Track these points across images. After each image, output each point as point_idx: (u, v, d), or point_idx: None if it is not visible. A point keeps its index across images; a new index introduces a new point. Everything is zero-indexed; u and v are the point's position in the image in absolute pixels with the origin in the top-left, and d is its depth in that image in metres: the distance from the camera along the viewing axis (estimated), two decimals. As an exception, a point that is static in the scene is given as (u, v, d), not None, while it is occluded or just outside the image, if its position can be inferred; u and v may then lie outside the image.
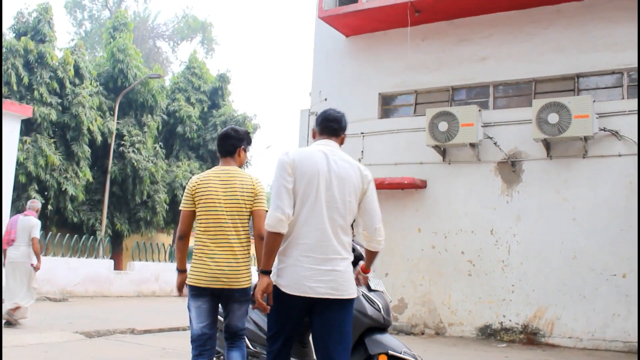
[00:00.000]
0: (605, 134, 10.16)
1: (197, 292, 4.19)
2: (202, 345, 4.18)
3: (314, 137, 3.84)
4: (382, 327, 4.62)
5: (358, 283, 3.97)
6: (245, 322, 4.36)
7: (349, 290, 3.50)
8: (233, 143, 4.40)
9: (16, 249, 9.29)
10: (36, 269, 9.42)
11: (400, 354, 4.44)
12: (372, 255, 3.84)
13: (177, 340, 8.82)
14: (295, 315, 3.53)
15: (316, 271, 3.42)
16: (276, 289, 3.47)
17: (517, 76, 11.26)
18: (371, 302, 4.59)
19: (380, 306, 4.61)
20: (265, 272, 3.47)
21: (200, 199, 4.25)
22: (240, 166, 4.50)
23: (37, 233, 9.41)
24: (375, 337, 4.55)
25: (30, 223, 9.40)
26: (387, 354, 4.44)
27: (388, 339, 4.56)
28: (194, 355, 4.18)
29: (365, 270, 4.03)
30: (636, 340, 9.25)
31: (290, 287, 3.42)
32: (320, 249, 3.45)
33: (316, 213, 3.48)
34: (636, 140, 9.78)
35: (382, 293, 4.77)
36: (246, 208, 4.29)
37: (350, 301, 3.53)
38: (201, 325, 4.19)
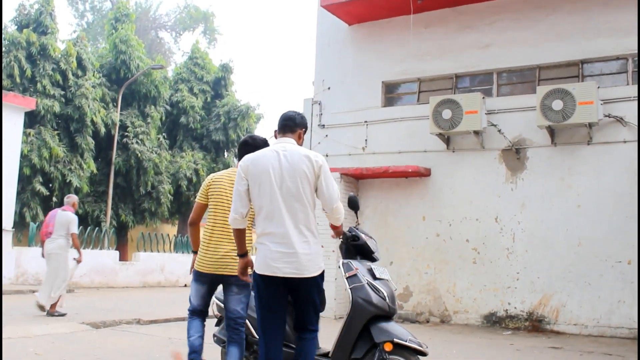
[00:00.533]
0: (609, 121, 10.12)
1: (199, 277, 4.90)
2: (195, 313, 5.04)
3: (275, 137, 4.33)
4: (387, 315, 4.63)
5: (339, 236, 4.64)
6: (243, 309, 4.85)
7: (310, 269, 3.99)
8: (248, 150, 4.68)
9: (52, 241, 9.93)
10: (78, 261, 10.12)
11: (406, 341, 4.44)
12: (336, 227, 4.45)
13: (183, 331, 8.82)
14: (272, 294, 4.04)
15: (282, 254, 3.93)
16: (254, 274, 4.07)
17: (521, 63, 11.21)
18: (376, 290, 4.59)
19: (386, 294, 4.61)
20: (241, 255, 4.20)
21: (212, 195, 4.89)
22: None
23: (74, 228, 9.98)
24: (381, 325, 4.56)
25: (67, 218, 9.97)
26: (392, 341, 4.44)
27: (393, 327, 4.57)
28: (189, 317, 5.08)
29: (335, 229, 4.52)
30: (641, 326, 9.26)
31: (262, 268, 3.98)
32: (283, 236, 3.95)
33: (275, 206, 3.97)
34: (641, 126, 9.74)
35: (387, 281, 4.77)
36: None
37: (314, 278, 4.04)
38: (197, 303, 4.99)
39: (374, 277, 4.67)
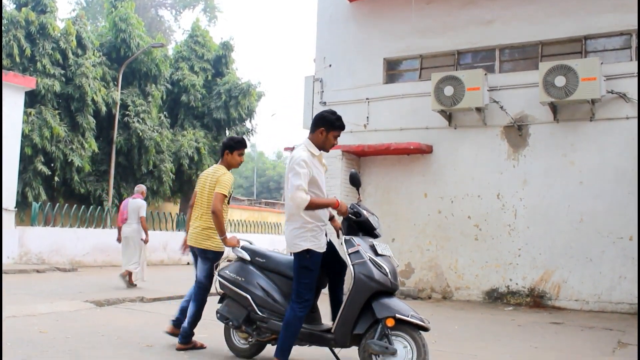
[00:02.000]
0: (612, 97, 10.07)
1: (190, 249, 6.03)
2: (195, 281, 5.91)
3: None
4: (389, 291, 4.65)
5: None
6: (204, 277, 5.78)
7: (290, 248, 4.79)
8: (221, 149, 6.03)
9: (128, 225, 11.43)
10: (145, 241, 11.50)
11: (408, 317, 4.47)
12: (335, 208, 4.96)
13: (186, 308, 8.90)
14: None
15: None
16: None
17: (523, 39, 11.12)
18: (378, 266, 4.61)
19: (388, 270, 4.63)
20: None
21: (197, 186, 6.09)
22: (227, 165, 5.98)
23: (143, 212, 11.45)
24: (383, 301, 4.58)
25: (138, 204, 11.43)
26: (394, 317, 4.47)
27: (395, 303, 4.59)
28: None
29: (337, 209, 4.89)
30: (642, 301, 9.30)
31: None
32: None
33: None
34: (644, 102, 9.69)
35: (389, 258, 4.78)
36: (212, 194, 5.76)
37: (294, 255, 4.79)
38: (195, 272, 5.95)
39: (376, 254, 4.68)
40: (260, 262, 5.32)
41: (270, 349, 5.30)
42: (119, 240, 11.60)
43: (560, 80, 9.89)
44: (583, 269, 10.11)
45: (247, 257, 5.39)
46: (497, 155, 11.00)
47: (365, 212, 4.86)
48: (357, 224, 4.84)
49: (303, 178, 4.63)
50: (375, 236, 4.89)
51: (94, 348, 5.65)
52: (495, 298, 10.74)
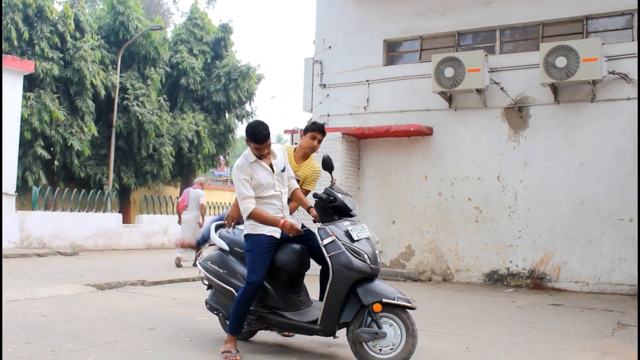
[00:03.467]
0: (614, 77, 10.01)
1: None
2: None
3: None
4: (370, 276, 4.62)
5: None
6: None
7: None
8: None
9: (189, 212, 12.93)
10: (200, 225, 12.57)
11: (394, 300, 4.45)
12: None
13: (187, 291, 8.94)
14: None
15: None
16: None
17: (524, 19, 11.04)
18: (356, 254, 4.55)
19: (366, 256, 4.57)
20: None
21: None
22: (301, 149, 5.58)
23: (203, 201, 13.01)
24: (366, 286, 4.54)
25: (198, 194, 12.98)
26: (380, 302, 4.46)
27: (379, 287, 4.56)
28: None
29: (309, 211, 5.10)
30: (642, 282, 9.32)
31: None
32: None
33: None
34: (645, 83, 9.64)
35: (367, 240, 4.73)
36: None
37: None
38: None
39: (352, 240, 4.62)
40: (239, 252, 5.09)
41: (268, 332, 5.34)
42: (179, 222, 13.37)
43: (561, 61, 9.83)
44: (583, 250, 10.13)
45: (226, 248, 5.21)
46: (498, 137, 10.97)
47: (340, 195, 4.79)
48: (332, 208, 4.80)
49: (245, 185, 4.79)
50: (351, 216, 4.85)
51: (95, 331, 5.67)
52: (496, 280, 10.77)
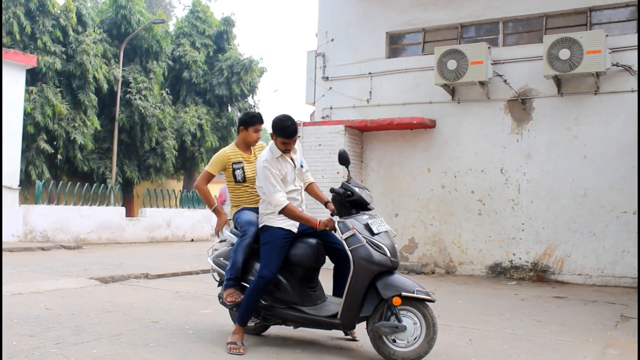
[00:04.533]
0: (617, 70, 9.97)
1: None
2: None
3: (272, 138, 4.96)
4: (390, 270, 4.64)
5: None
6: None
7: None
8: (237, 125, 5.60)
9: (226, 206, 12.14)
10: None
11: (413, 293, 4.46)
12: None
13: (191, 284, 8.96)
14: None
15: None
16: None
17: (527, 11, 10.99)
18: (377, 247, 4.56)
19: (386, 249, 4.57)
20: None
21: None
22: (243, 142, 5.51)
23: None
24: (386, 280, 4.55)
25: None
26: (400, 295, 4.47)
27: (399, 280, 4.56)
28: None
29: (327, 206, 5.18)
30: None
31: None
32: None
33: None
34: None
35: (385, 233, 4.74)
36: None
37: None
38: None
39: (372, 233, 4.63)
40: (253, 247, 5.05)
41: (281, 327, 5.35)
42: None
43: (564, 53, 9.79)
44: (586, 243, 10.12)
45: None
46: (501, 130, 10.94)
47: (357, 190, 4.79)
48: (350, 202, 4.80)
49: (277, 179, 4.80)
50: (369, 210, 4.86)
51: (99, 324, 5.69)
52: (499, 273, 10.77)
